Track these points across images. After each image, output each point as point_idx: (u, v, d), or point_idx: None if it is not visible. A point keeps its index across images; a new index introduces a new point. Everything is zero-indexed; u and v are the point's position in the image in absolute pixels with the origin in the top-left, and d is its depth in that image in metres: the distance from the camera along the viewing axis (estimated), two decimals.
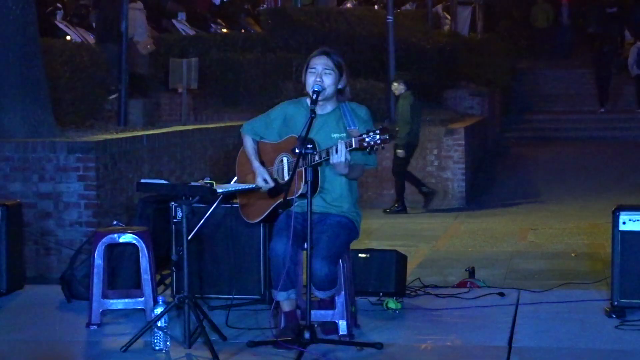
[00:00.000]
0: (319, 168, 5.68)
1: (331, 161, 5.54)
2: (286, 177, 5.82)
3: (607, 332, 6.02)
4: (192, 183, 6.26)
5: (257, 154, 6.01)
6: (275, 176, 5.91)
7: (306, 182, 5.52)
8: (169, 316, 5.78)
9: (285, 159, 5.87)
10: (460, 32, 24.11)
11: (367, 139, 5.46)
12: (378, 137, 5.44)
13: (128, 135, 9.43)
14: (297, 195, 5.69)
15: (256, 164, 5.96)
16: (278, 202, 5.81)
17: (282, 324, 5.80)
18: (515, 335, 5.97)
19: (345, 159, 5.51)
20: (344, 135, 5.69)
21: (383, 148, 5.49)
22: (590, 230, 11.13)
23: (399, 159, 13.32)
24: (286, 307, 5.78)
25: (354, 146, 5.50)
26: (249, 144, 6.05)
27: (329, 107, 5.84)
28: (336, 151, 5.50)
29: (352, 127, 5.68)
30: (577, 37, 26.19)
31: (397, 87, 13.57)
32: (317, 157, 5.55)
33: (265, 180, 5.90)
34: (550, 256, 9.58)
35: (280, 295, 5.70)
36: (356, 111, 5.83)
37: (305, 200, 5.51)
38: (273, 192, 5.91)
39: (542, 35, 25.72)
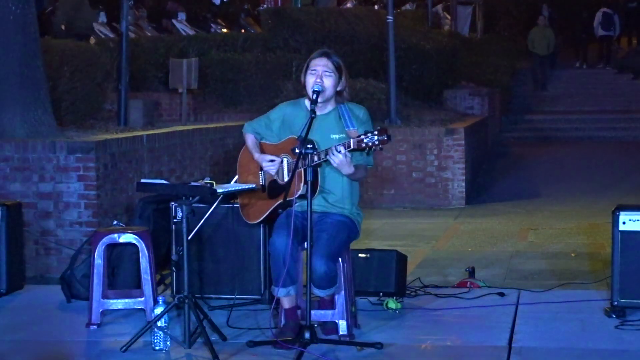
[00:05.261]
0: (319, 169, 5.68)
1: (333, 163, 5.54)
2: (286, 178, 5.81)
3: (607, 332, 6.02)
4: (192, 183, 6.26)
5: (258, 148, 5.99)
6: (276, 177, 5.90)
7: (306, 182, 5.52)
8: (169, 316, 5.78)
9: (285, 160, 5.86)
10: (460, 32, 24.10)
11: (365, 140, 5.46)
12: (376, 138, 5.45)
13: (128, 135, 9.42)
14: (297, 195, 5.69)
15: (257, 154, 5.95)
16: (278, 202, 5.80)
17: (282, 321, 5.81)
18: (515, 335, 5.97)
19: (345, 156, 5.51)
20: (343, 136, 5.70)
21: (381, 149, 5.50)
22: (590, 230, 11.11)
23: None
24: (286, 303, 5.78)
25: (352, 147, 5.50)
26: (250, 140, 6.04)
27: (328, 107, 5.84)
28: (335, 152, 5.50)
29: (351, 128, 5.68)
30: (562, 39, 25.89)
31: None
32: (316, 158, 5.55)
33: (271, 160, 5.87)
34: (550, 256, 9.56)
35: (280, 292, 5.70)
36: (354, 111, 5.84)
37: (306, 201, 5.51)
38: (273, 193, 5.91)
39: (542, 60, 23.63)
